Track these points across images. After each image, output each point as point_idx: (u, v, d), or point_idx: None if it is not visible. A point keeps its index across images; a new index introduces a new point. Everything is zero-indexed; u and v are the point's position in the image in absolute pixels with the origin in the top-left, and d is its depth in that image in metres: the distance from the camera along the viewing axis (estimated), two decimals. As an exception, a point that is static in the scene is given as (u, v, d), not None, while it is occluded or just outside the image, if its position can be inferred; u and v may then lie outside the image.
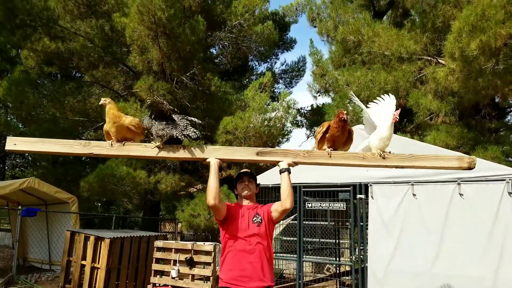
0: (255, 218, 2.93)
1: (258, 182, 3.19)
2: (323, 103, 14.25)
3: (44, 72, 12.98)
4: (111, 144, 2.80)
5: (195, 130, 2.78)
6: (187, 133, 2.72)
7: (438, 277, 4.56)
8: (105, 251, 7.47)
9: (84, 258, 7.81)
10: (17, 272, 8.54)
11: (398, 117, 3.02)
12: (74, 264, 8.03)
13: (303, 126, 17.32)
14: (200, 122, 2.97)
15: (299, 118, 16.80)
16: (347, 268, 8.49)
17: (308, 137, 18.26)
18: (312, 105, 16.44)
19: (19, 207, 9.08)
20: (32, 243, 10.89)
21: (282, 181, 2.83)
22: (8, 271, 8.53)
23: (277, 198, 6.57)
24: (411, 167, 2.86)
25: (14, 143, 2.78)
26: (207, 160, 2.86)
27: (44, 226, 10.79)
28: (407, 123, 10.69)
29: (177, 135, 2.69)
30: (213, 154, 2.86)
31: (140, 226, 16.16)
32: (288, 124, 13.38)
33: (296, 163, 2.93)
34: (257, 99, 11.24)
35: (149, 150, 2.83)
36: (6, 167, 21.22)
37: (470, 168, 2.76)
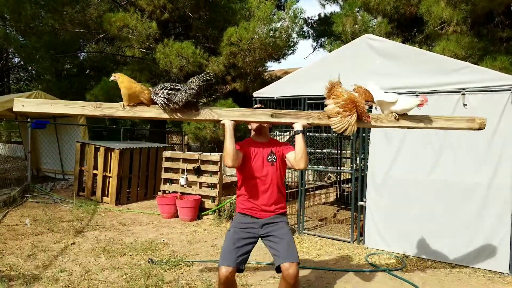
0: (269, 156, 2.99)
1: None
2: (331, 12, 13.64)
3: (39, -19, 12.34)
4: (123, 106, 2.75)
5: (209, 73, 2.76)
6: (200, 81, 2.70)
7: (434, 184, 4.76)
8: (115, 161, 7.79)
9: (95, 168, 8.19)
10: (32, 182, 8.96)
11: (427, 103, 3.05)
12: (87, 173, 8.43)
13: (309, 37, 16.77)
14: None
15: (305, 28, 16.19)
16: (348, 176, 8.85)
17: (314, 48, 17.78)
18: (319, 14, 15.80)
19: (28, 120, 9.27)
20: (44, 155, 11.33)
21: (296, 143, 2.86)
22: (23, 180, 8.92)
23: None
24: (424, 127, 2.90)
25: (22, 105, 2.71)
26: (222, 122, 2.86)
27: (54, 138, 11.12)
28: (416, 33, 10.32)
29: (195, 88, 2.67)
30: (227, 116, 2.84)
31: (147, 139, 16.56)
32: (294, 35, 12.98)
33: (310, 125, 2.97)
34: (262, 7, 10.75)
35: (163, 112, 2.76)
36: (11, 81, 21.18)
37: (480, 128, 2.80)
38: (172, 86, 2.76)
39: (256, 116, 2.91)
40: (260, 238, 2.98)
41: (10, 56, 19.93)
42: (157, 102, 2.76)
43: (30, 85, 20.16)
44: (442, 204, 4.72)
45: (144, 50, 12.21)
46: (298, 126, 2.90)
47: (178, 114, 2.77)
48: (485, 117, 4.42)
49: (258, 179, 2.97)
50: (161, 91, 2.75)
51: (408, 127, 3.05)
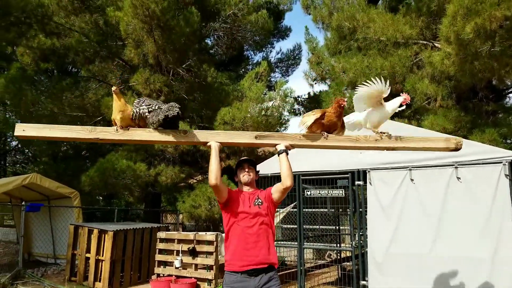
0: (256, 201, 3.02)
1: (258, 169, 3.29)
2: (320, 91, 14.22)
3: (40, 69, 12.97)
4: (117, 130, 2.90)
5: (177, 108, 2.88)
6: (171, 113, 2.85)
7: (437, 260, 4.64)
8: (109, 244, 7.57)
9: (88, 251, 7.92)
10: (23, 267, 8.58)
11: (408, 101, 3.23)
12: (79, 257, 8.14)
13: (300, 114, 17.28)
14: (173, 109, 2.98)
15: (296, 106, 16.78)
16: (348, 254, 8.59)
17: (306, 125, 18.29)
18: (309, 93, 16.40)
19: (23, 203, 9.16)
20: (36, 238, 10.98)
21: (281, 162, 2.98)
22: (14, 266, 8.58)
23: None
24: (402, 148, 3.05)
25: (23, 129, 2.87)
26: (208, 144, 2.98)
27: (48, 221, 10.88)
28: (405, 108, 10.72)
29: (167, 114, 2.80)
30: (214, 138, 3.00)
31: (142, 218, 16.26)
32: (286, 113, 13.39)
33: (293, 146, 3.08)
34: (254, 89, 11.23)
35: (152, 135, 2.93)
36: (7, 164, 21.24)
37: (456, 149, 2.93)
38: (149, 104, 2.93)
39: (241, 138, 3.06)
40: None
41: (8, 140, 20.22)
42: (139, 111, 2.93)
43: (27, 168, 20.21)
44: (447, 281, 4.56)
45: (140, 131, 12.47)
46: (281, 147, 3.01)
47: (165, 136, 2.88)
48: (480, 188, 4.48)
49: (246, 220, 2.93)
50: (141, 107, 2.93)
51: (387, 148, 3.12)
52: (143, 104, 2.95)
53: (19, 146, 19.68)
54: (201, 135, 3.00)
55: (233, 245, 2.94)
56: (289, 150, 3.09)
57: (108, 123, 13.08)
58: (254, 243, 2.88)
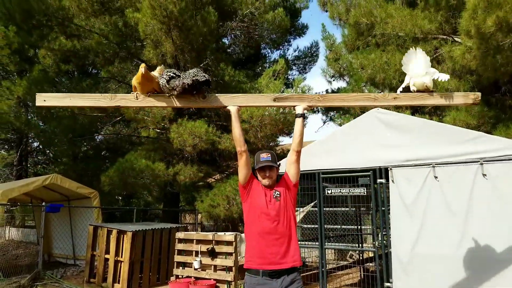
0: (275, 194, 2.96)
1: (278, 163, 3.16)
2: (338, 88, 14.08)
3: (61, 70, 13.24)
4: (136, 97, 2.89)
5: (204, 74, 2.88)
6: (197, 78, 2.83)
7: (463, 260, 4.49)
8: (127, 244, 7.58)
9: (107, 251, 7.93)
10: (43, 268, 8.68)
11: None
12: (98, 258, 8.16)
13: (318, 111, 17.10)
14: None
15: (314, 104, 16.62)
16: (371, 254, 8.43)
17: (324, 122, 18.07)
18: (327, 90, 16.22)
19: (43, 204, 9.29)
20: (56, 239, 11.14)
21: (296, 125, 2.97)
22: (34, 267, 8.67)
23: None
24: (421, 104, 3.02)
25: (43, 99, 2.90)
26: (227, 108, 3.00)
27: (68, 222, 11.03)
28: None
29: (188, 81, 2.80)
30: (232, 102, 2.98)
31: (160, 218, 16.38)
32: (304, 111, 13.27)
33: (311, 107, 3.09)
34: (271, 86, 11.16)
35: (172, 100, 2.93)
36: (29, 165, 21.64)
37: (475, 103, 2.88)
38: (173, 73, 2.91)
39: (259, 100, 3.09)
40: None
41: (30, 141, 20.61)
42: (160, 83, 2.93)
43: (47, 168, 20.57)
44: (475, 282, 4.39)
45: (158, 130, 12.55)
46: (299, 110, 3.01)
47: (184, 101, 2.91)
48: (507, 185, 4.31)
49: (266, 220, 2.85)
50: (165, 74, 2.94)
51: (405, 106, 3.11)
52: (164, 74, 2.96)
53: (41, 147, 20.03)
54: (220, 99, 2.99)
55: (253, 241, 2.87)
56: (308, 111, 3.12)
57: (128, 121, 13.23)
58: (275, 240, 2.80)
